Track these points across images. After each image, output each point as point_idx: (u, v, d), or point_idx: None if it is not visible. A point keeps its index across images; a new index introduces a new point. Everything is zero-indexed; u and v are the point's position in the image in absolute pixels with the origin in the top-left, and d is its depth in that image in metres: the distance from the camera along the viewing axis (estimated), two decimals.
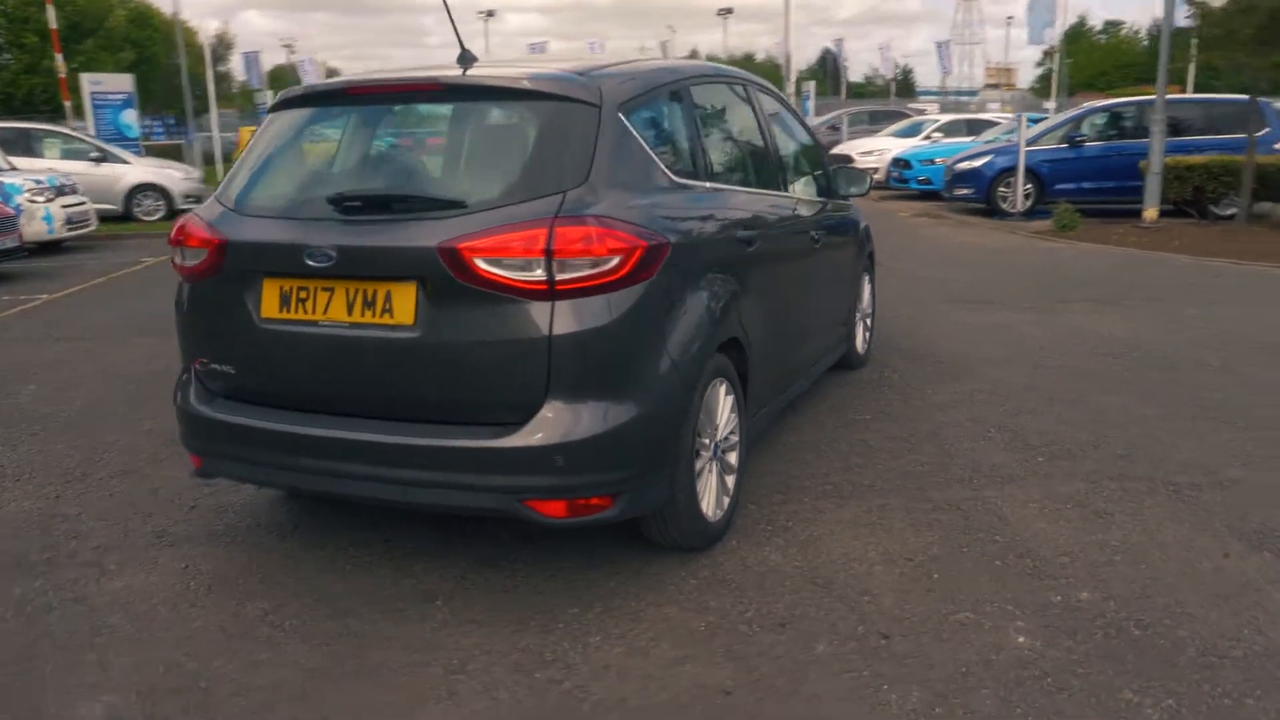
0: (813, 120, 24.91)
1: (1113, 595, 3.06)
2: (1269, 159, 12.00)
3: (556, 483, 2.84)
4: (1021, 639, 2.81)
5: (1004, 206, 14.66)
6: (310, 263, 2.93)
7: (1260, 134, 13.26)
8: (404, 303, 2.88)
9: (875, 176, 20.34)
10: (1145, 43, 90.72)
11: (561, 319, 2.78)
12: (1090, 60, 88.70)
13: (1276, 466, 4.12)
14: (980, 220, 14.48)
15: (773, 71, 43.91)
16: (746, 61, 76.73)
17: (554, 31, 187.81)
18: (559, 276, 2.75)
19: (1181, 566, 3.24)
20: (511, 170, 2.97)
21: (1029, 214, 14.24)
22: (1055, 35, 27.00)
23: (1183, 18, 11.78)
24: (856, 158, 20.71)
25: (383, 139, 3.37)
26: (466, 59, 3.25)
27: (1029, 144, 14.29)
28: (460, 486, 2.88)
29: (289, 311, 3.03)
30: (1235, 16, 10.53)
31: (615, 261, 2.80)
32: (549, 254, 2.74)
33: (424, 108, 3.43)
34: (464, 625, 2.97)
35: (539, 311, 2.78)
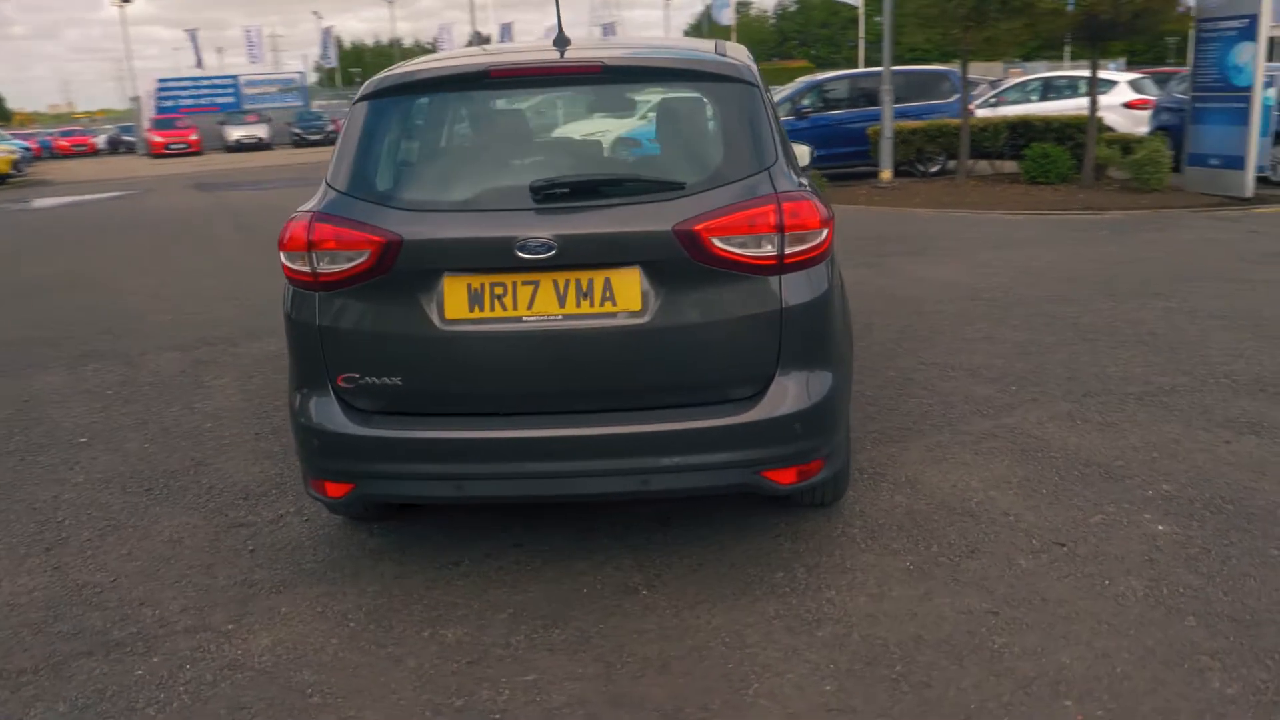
0: None
1: (1183, 483, 3.67)
2: (973, 121, 13.96)
3: (791, 451, 2.94)
4: (1161, 527, 3.33)
5: None
6: (524, 255, 2.76)
7: (951, 100, 15.45)
8: (628, 289, 2.82)
9: None
10: (773, 22, 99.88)
11: (790, 291, 2.87)
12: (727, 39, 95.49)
13: (1183, 372, 5.04)
14: None
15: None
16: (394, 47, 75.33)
17: (163, 19, 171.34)
18: (788, 250, 2.84)
19: (1206, 456, 3.93)
20: (710, 150, 2.99)
21: None
22: (732, 15, 29.10)
23: None
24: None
25: (543, 122, 3.20)
26: (563, 41, 3.17)
27: None
28: (702, 467, 2.89)
29: (482, 310, 2.84)
30: None
31: (824, 235, 2.92)
32: (780, 229, 2.81)
33: (579, 90, 3.29)
34: (694, 607, 2.98)
35: (771, 286, 2.85)
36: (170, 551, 3.54)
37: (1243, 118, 11.06)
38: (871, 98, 15.24)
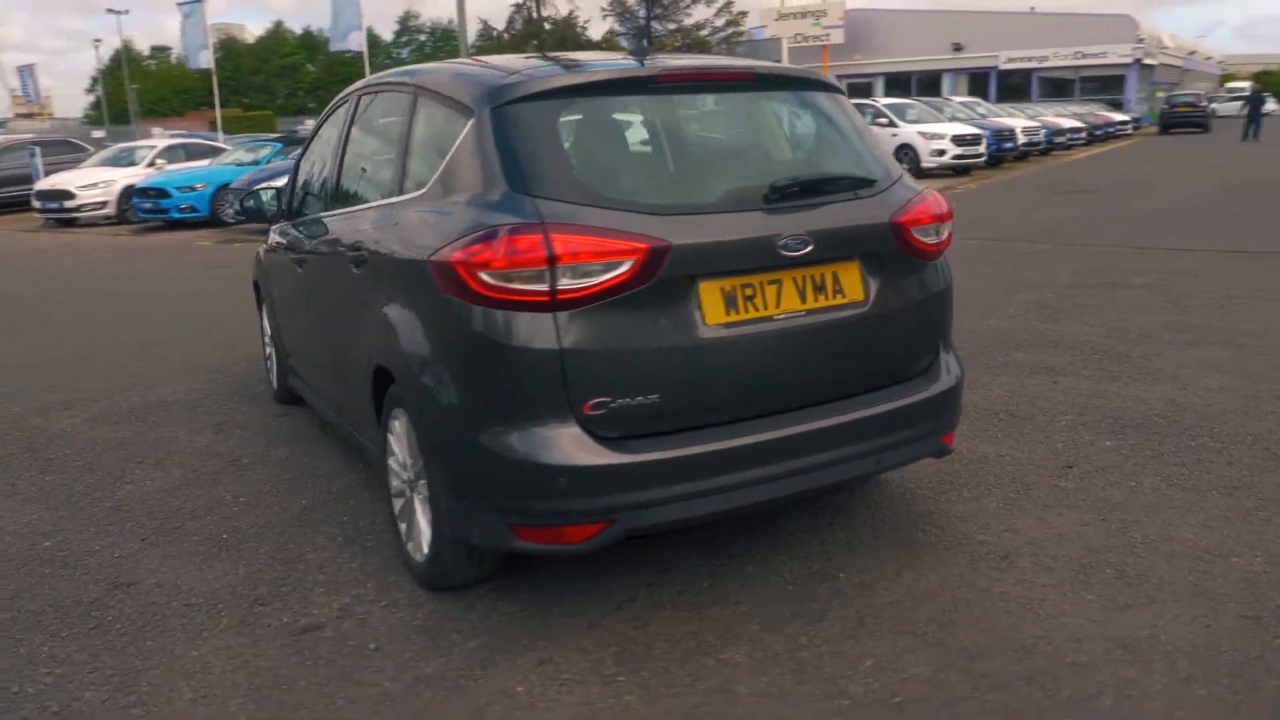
0: None
1: None
2: None
3: (957, 414, 3.30)
4: None
5: None
6: (786, 254, 2.76)
7: None
8: (851, 280, 2.95)
9: (103, 212, 18.38)
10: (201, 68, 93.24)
11: (945, 274, 3.25)
12: (148, 87, 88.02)
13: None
14: None
15: None
16: None
17: None
18: (942, 238, 3.21)
19: None
20: (866, 151, 3.20)
21: None
22: (210, 58, 27.00)
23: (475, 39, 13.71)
24: (77, 192, 18.38)
25: (710, 125, 3.08)
26: (643, 50, 3.21)
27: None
28: (916, 439, 3.12)
29: (737, 313, 2.76)
30: (519, 43, 12.92)
31: (951, 225, 3.34)
32: (940, 220, 3.17)
33: (728, 96, 3.21)
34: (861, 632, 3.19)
35: (938, 270, 3.21)
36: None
37: None
38: None
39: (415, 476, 3.16)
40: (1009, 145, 23.25)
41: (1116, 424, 4.49)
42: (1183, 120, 39.16)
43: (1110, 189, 16.95)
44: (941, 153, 20.28)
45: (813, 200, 2.94)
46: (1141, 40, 45.33)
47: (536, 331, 2.61)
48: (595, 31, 12.77)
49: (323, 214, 4.09)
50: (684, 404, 2.76)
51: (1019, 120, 26.31)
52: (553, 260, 2.57)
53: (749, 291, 2.79)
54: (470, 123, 2.91)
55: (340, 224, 3.78)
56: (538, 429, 2.66)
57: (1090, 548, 3.29)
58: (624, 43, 13.22)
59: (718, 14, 14.66)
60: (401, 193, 3.27)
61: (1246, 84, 55.04)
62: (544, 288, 2.59)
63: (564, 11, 12.37)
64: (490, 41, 12.28)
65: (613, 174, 2.85)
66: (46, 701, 2.70)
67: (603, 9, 13.16)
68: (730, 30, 14.89)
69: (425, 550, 3.14)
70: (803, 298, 2.88)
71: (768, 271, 2.81)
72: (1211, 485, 3.75)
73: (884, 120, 20.84)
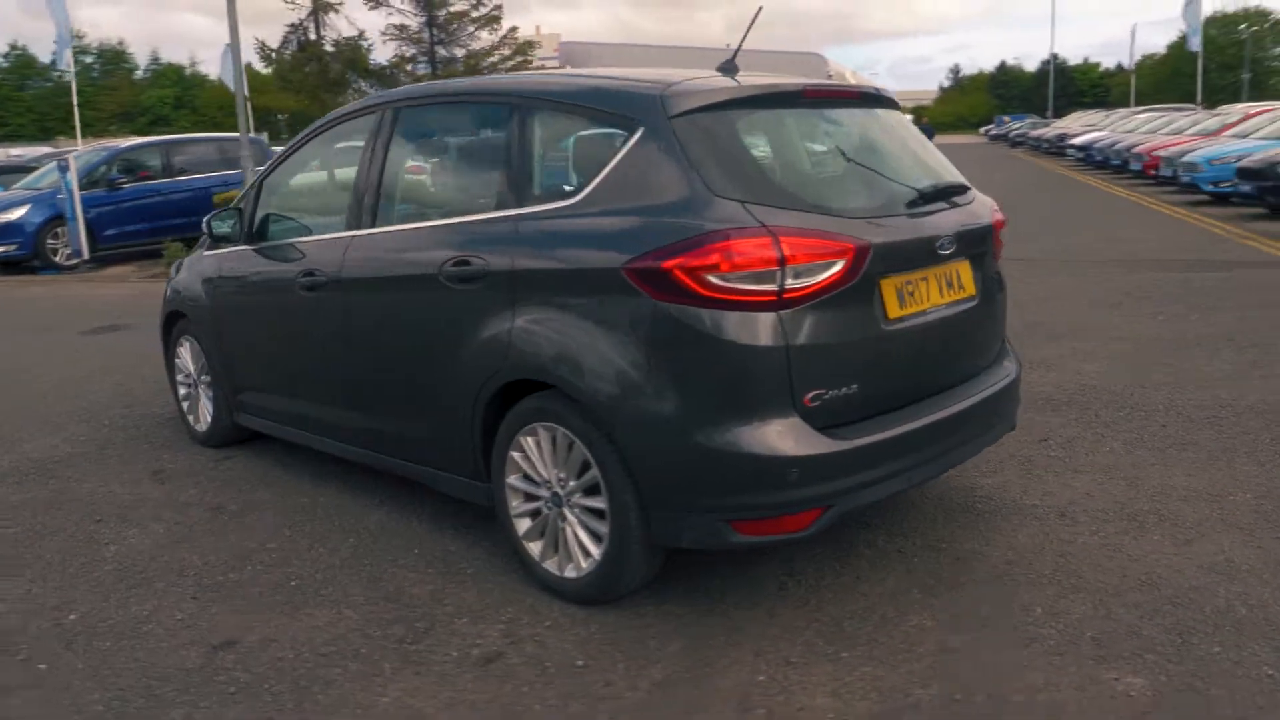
0: None
1: None
2: None
3: (1020, 395, 3.76)
4: None
5: (56, 260, 13.40)
6: (941, 253, 3.06)
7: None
8: (966, 277, 3.32)
9: None
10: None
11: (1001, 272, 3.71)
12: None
13: None
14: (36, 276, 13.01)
15: None
16: None
17: None
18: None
19: None
20: (948, 162, 3.56)
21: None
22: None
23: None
24: None
25: (842, 137, 3.27)
26: (731, 68, 3.44)
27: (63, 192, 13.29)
28: (1006, 415, 3.53)
29: (904, 307, 3.04)
30: (302, 65, 12.32)
31: None
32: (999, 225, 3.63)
33: (848, 110, 3.40)
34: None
35: (1000, 269, 3.64)
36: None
37: None
38: (188, 167, 14.47)
39: (567, 491, 3.12)
40: None
41: (1051, 403, 5.20)
42: None
43: None
44: None
45: (943, 205, 3.28)
46: (830, 76, 50.47)
47: (765, 330, 2.73)
48: (381, 54, 12.49)
49: (351, 232, 3.84)
50: (872, 393, 2.98)
51: None
52: (782, 261, 2.71)
53: (910, 288, 3.07)
54: (638, 133, 2.97)
55: (407, 240, 3.60)
56: (765, 424, 2.77)
57: (1119, 500, 3.86)
58: (415, 69, 13.01)
59: (503, 42, 14.78)
60: (522, 204, 3.22)
61: (909, 116, 62.98)
62: (773, 287, 2.72)
63: (347, 32, 11.98)
64: (270, 62, 11.52)
65: (797, 180, 3.03)
66: None
67: (382, 32, 12.88)
68: (519, 59, 15.12)
69: (584, 566, 3.11)
70: (941, 293, 3.20)
71: (924, 269, 3.11)
72: (1164, 444, 4.49)
73: None
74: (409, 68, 13.93)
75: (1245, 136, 15.83)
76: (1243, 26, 59.07)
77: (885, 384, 3.05)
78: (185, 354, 5.16)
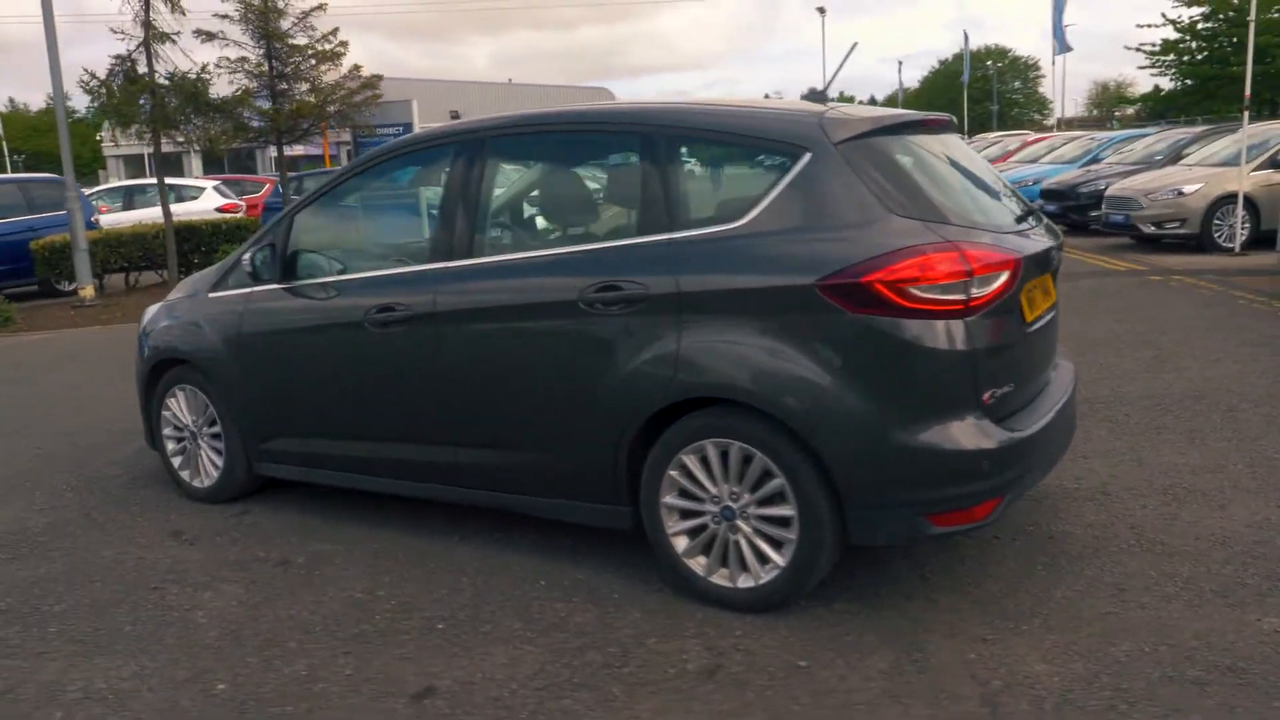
0: None
1: None
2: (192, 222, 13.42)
3: None
4: None
5: None
6: (1052, 264, 3.44)
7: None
8: (1051, 286, 3.71)
9: None
10: None
11: None
12: None
13: None
14: None
15: None
16: None
17: None
18: None
19: None
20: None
21: None
22: None
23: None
24: None
25: (950, 160, 3.55)
26: (820, 96, 3.75)
27: None
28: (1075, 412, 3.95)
29: (1031, 313, 3.37)
30: (131, 99, 11.51)
31: None
32: None
33: (946, 137, 3.67)
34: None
35: None
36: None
37: None
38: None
39: (740, 504, 3.23)
40: None
41: None
42: None
43: None
44: None
45: (1035, 223, 3.67)
46: None
47: (959, 335, 3.00)
48: (220, 88, 11.66)
49: (441, 264, 3.76)
50: (1019, 390, 3.31)
51: None
52: (970, 273, 2.98)
53: (1033, 296, 3.43)
54: (803, 159, 3.16)
55: (527, 269, 3.58)
56: (959, 421, 3.03)
57: (1145, 479, 4.40)
58: (258, 101, 12.34)
59: (349, 76, 14.29)
60: (674, 228, 3.31)
61: None
62: (961, 297, 2.99)
63: (184, 66, 11.06)
64: (97, 94, 10.38)
65: (946, 198, 3.29)
66: None
67: (217, 65, 12.10)
68: (369, 94, 14.67)
69: (763, 575, 3.23)
70: (1044, 300, 3.58)
71: (1036, 279, 3.47)
72: (1141, 430, 5.13)
73: None
74: (253, 100, 13.25)
75: (1034, 161, 17.91)
76: (989, 62, 65.97)
77: (1025, 382, 3.39)
78: (178, 405, 4.77)
